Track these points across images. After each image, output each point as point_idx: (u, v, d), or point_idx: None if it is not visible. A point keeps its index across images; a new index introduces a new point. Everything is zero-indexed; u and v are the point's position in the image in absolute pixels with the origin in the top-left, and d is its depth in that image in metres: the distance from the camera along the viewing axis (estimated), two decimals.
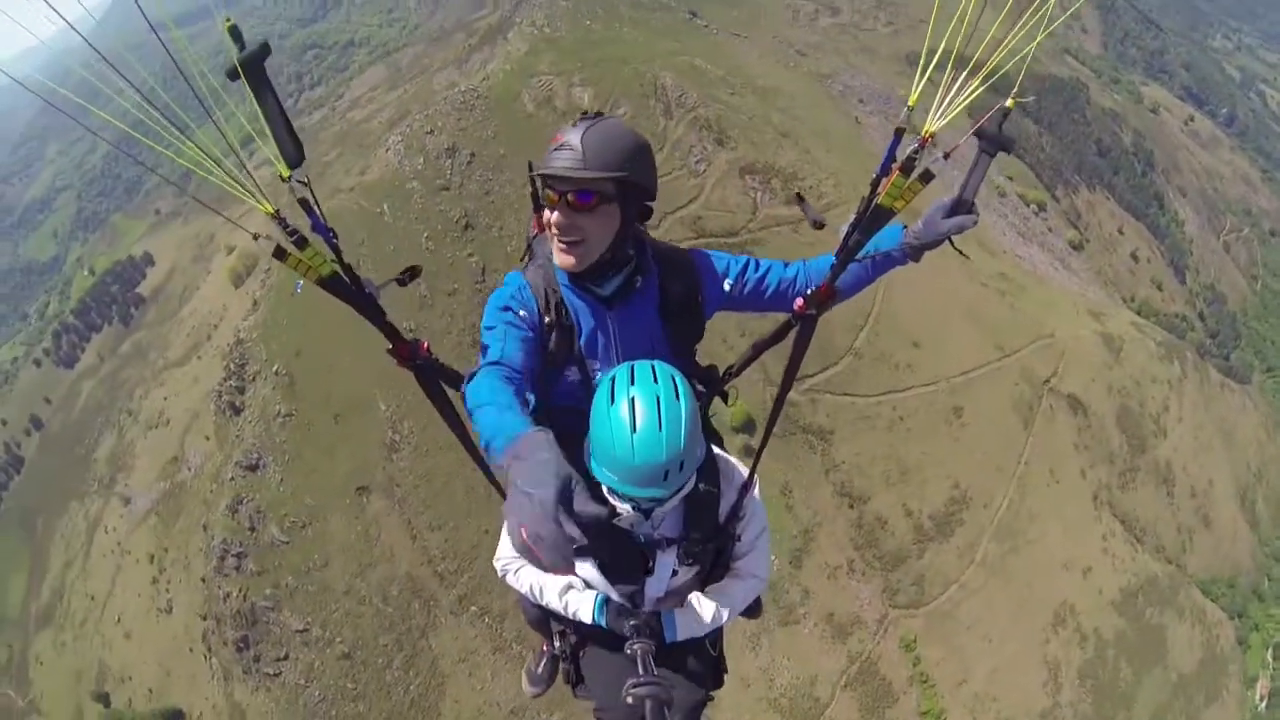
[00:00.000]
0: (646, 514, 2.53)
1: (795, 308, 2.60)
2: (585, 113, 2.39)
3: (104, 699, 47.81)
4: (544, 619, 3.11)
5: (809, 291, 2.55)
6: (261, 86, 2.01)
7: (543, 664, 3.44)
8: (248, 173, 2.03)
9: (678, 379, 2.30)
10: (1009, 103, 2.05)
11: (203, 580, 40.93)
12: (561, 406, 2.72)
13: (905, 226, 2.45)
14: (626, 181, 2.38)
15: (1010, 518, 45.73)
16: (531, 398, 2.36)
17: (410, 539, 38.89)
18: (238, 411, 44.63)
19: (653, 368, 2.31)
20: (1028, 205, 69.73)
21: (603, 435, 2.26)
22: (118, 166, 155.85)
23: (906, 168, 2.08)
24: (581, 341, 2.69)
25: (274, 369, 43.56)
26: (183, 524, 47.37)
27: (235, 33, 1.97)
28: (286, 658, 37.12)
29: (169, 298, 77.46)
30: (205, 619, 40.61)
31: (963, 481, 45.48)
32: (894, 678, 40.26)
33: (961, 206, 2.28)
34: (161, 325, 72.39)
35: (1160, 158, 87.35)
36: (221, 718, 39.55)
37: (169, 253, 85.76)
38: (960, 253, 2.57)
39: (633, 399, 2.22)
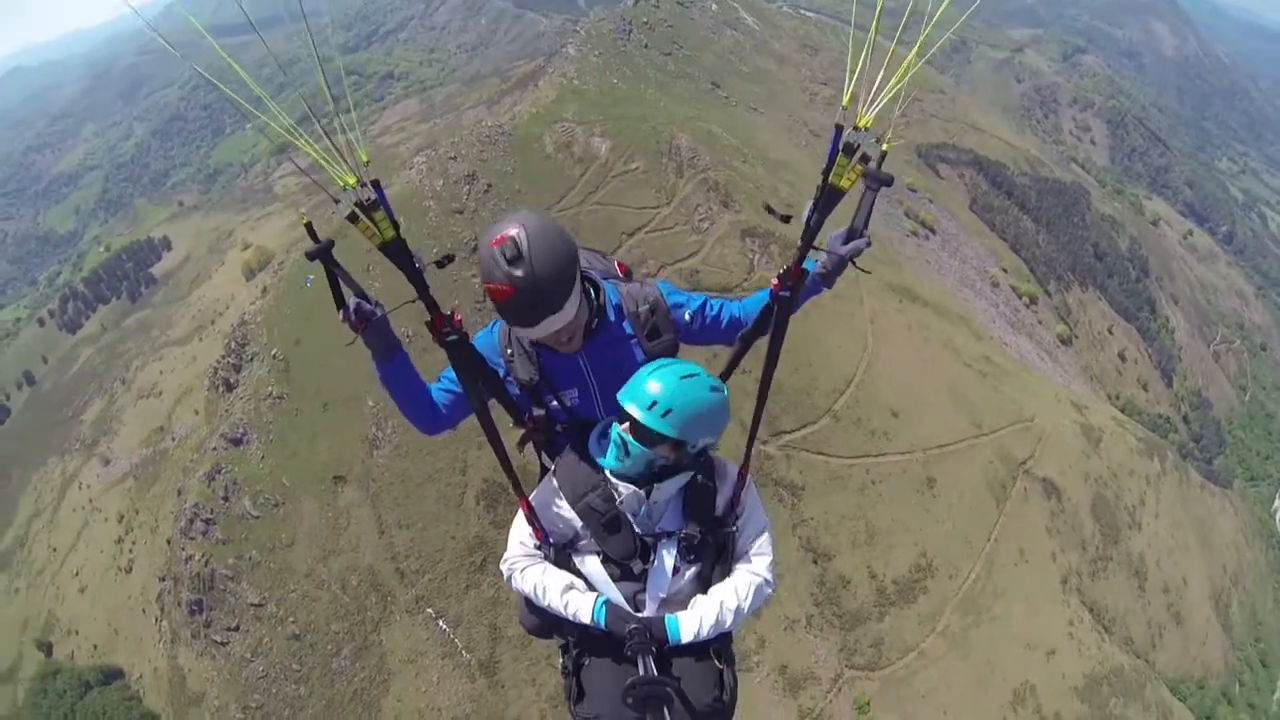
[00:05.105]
0: (645, 486, 2.81)
1: (771, 288, 2.92)
2: (505, 243, 2.53)
3: (47, 649, 47.12)
4: (544, 629, 3.10)
5: (780, 272, 2.83)
6: (333, 268, 2.57)
7: None
8: (335, 147, 2.38)
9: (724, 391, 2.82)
10: (884, 147, 2.40)
11: (168, 542, 40.97)
12: (559, 424, 3.15)
13: (816, 263, 2.93)
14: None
15: (975, 592, 45.39)
16: (444, 401, 3.03)
17: (378, 533, 39.12)
18: (230, 388, 45.52)
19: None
20: (1020, 297, 71.75)
21: (651, 371, 2.77)
22: (148, 156, 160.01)
23: (849, 151, 2.40)
24: (552, 377, 3.02)
25: (272, 353, 44.57)
26: (158, 489, 47.66)
27: (309, 229, 2.52)
28: (237, 629, 36.92)
29: (179, 282, 78.93)
30: (163, 579, 40.52)
31: (930, 551, 45.36)
32: None
33: (854, 234, 2.79)
34: (168, 306, 73.65)
35: (1155, 265, 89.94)
36: (161, 681, 39.05)
37: (186, 240, 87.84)
38: (862, 269, 2.94)
39: (696, 374, 2.76)
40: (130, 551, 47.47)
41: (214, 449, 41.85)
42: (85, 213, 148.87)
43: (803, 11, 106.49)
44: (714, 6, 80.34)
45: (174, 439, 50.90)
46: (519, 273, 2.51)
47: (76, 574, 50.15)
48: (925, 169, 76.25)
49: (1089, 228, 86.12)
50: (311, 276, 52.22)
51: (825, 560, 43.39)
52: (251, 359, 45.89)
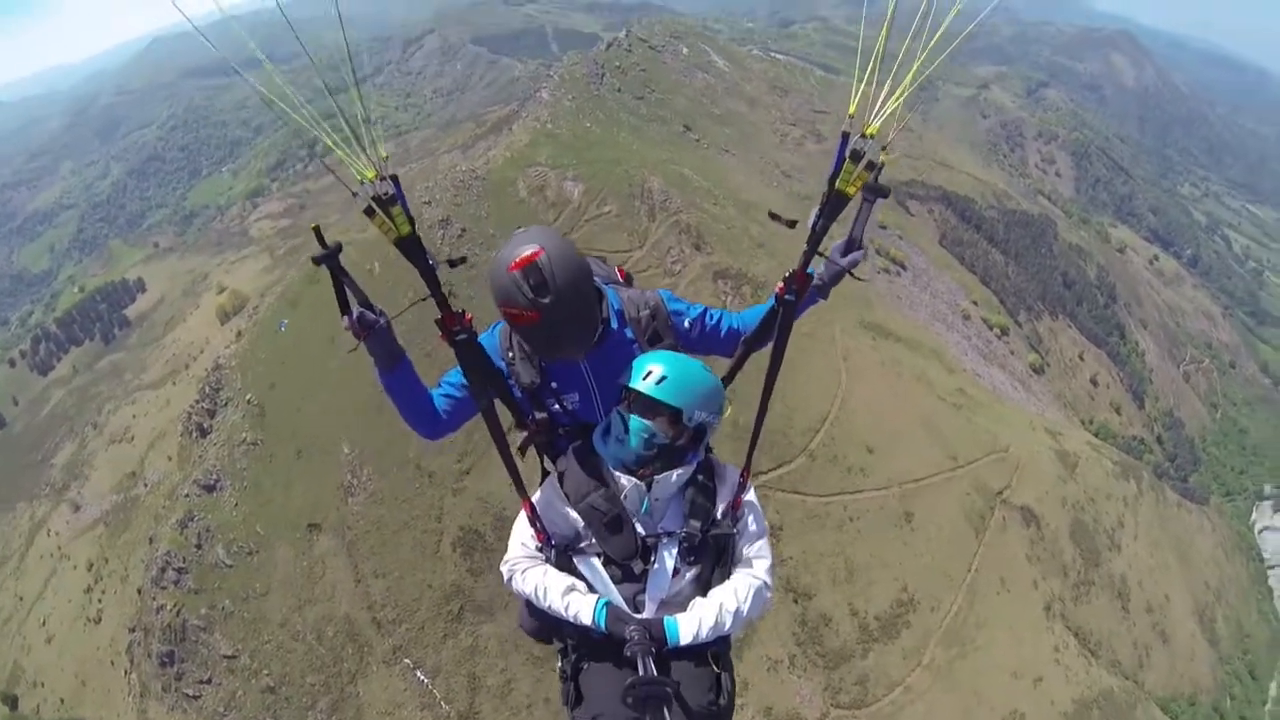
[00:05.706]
0: (645, 477, 2.87)
1: (776, 291, 2.96)
2: (529, 268, 2.61)
3: (12, 702, 45.57)
4: (544, 632, 3.10)
5: (786, 275, 2.87)
6: (339, 274, 2.60)
7: None
8: (360, 144, 2.43)
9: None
10: (882, 158, 2.45)
11: (139, 591, 40.16)
12: (562, 427, 3.23)
13: (815, 273, 2.99)
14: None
15: (958, 624, 45.26)
16: (445, 406, 3.12)
17: (354, 582, 38.55)
18: (204, 433, 45.04)
19: None
20: (990, 329, 72.76)
21: (648, 354, 2.96)
22: (124, 196, 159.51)
23: (855, 157, 2.46)
24: (554, 383, 3.08)
25: (246, 398, 44.29)
26: (129, 537, 46.78)
27: (318, 233, 2.56)
28: (210, 681, 36.09)
29: (153, 324, 78.27)
30: (133, 630, 39.62)
31: (911, 585, 45.24)
32: None
33: (853, 245, 2.87)
34: (142, 349, 72.91)
35: (1123, 291, 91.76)
36: None
37: (161, 283, 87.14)
38: (859, 279, 3.05)
39: (689, 358, 2.97)
40: (99, 601, 46.36)
41: (187, 495, 41.30)
42: (60, 252, 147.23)
43: (773, 54, 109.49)
44: (685, 50, 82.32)
45: (146, 485, 50.06)
46: (545, 301, 2.61)
47: (44, 624, 48.85)
48: (895, 206, 77.42)
49: (1057, 258, 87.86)
50: (286, 321, 52.14)
51: (805, 599, 43.15)
52: (225, 404, 45.52)
